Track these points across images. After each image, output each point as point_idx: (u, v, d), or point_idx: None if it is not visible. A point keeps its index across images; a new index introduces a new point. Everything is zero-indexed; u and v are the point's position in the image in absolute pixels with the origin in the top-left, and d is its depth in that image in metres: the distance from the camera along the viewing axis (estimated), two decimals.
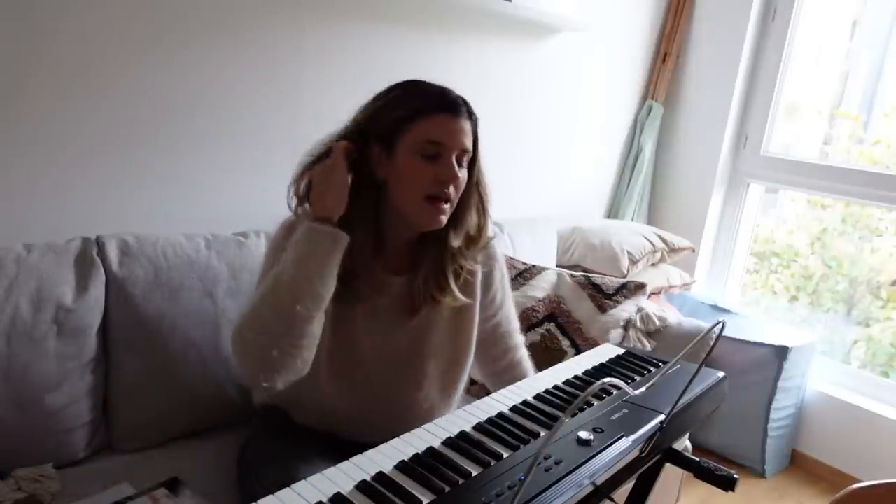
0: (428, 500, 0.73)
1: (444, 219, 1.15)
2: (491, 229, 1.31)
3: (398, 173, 1.13)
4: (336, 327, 1.19)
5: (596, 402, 0.98)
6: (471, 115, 1.16)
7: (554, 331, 2.06)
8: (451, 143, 1.12)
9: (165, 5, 1.55)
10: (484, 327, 1.36)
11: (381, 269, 1.22)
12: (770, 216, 3.03)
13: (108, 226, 1.52)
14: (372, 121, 1.15)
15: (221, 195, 1.76)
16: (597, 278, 2.13)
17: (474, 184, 1.20)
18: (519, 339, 1.45)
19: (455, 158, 1.13)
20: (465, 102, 1.16)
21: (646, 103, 2.81)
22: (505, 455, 0.83)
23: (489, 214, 1.25)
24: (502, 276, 1.39)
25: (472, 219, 1.22)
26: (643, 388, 0.94)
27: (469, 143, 1.15)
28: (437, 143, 1.11)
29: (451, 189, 1.13)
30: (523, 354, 1.45)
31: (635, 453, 0.89)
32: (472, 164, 1.19)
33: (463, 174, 1.15)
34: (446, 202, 1.13)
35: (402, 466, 0.80)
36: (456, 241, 1.20)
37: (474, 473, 0.79)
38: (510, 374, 1.40)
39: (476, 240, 1.25)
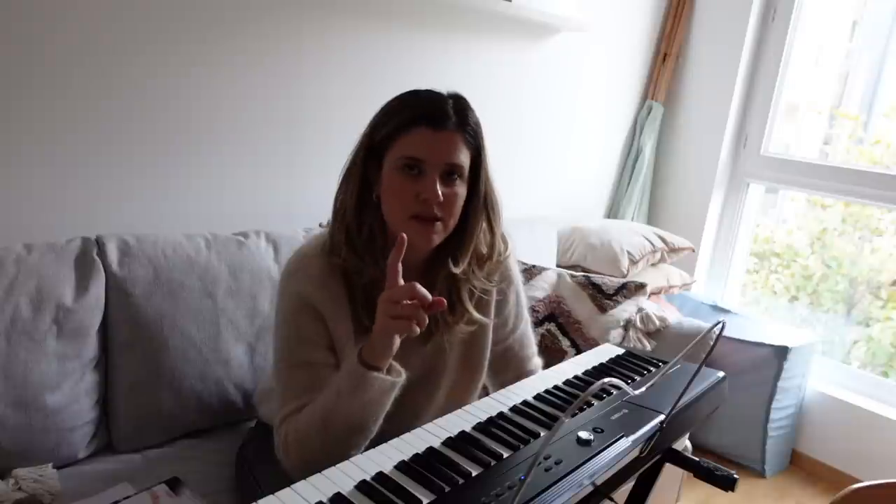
0: (428, 501, 0.73)
1: (437, 238, 1.07)
2: (508, 245, 1.22)
3: (385, 191, 1.07)
4: (350, 352, 1.11)
5: (596, 402, 0.98)
6: (464, 127, 1.06)
7: (554, 331, 2.06)
8: (432, 159, 1.03)
9: (166, 5, 1.55)
10: (494, 350, 1.28)
11: None
12: (770, 216, 3.03)
13: (108, 226, 1.52)
14: (369, 137, 1.09)
15: (221, 195, 1.76)
16: (597, 278, 2.13)
17: (480, 200, 1.11)
18: (535, 364, 1.35)
19: (443, 174, 1.04)
20: (458, 113, 1.06)
21: (646, 103, 2.81)
22: (505, 455, 0.83)
23: (498, 231, 1.16)
24: (517, 300, 1.30)
25: (482, 237, 1.13)
26: (643, 388, 0.94)
27: (459, 157, 1.05)
28: (415, 160, 1.03)
29: (439, 208, 1.04)
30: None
31: (635, 453, 0.89)
32: (476, 179, 1.10)
33: (457, 191, 1.06)
34: (435, 221, 1.05)
35: (402, 466, 0.80)
36: (461, 264, 1.12)
37: (474, 473, 0.79)
38: None
39: (486, 260, 1.16)
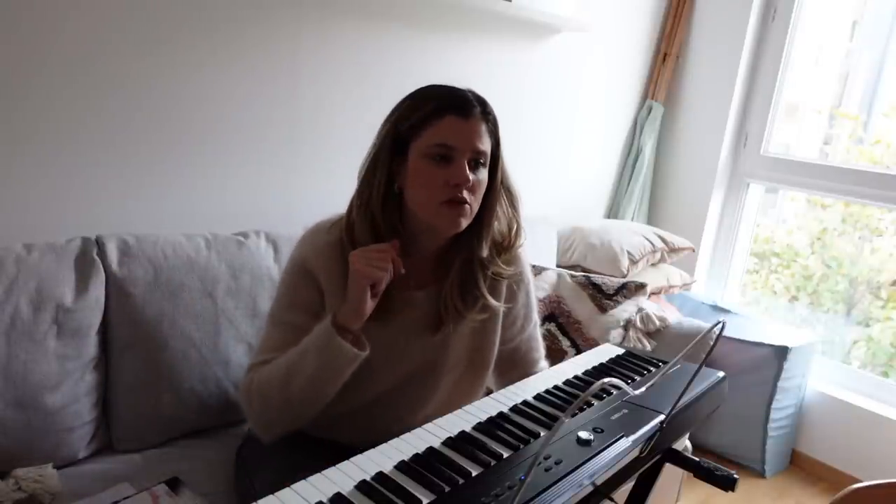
0: (428, 501, 0.73)
1: (464, 221, 1.10)
2: (521, 236, 1.24)
3: (412, 181, 1.10)
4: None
5: (596, 402, 0.98)
6: (486, 116, 1.12)
7: (554, 331, 2.06)
8: (461, 146, 1.08)
9: (167, 6, 1.55)
10: (502, 350, 1.30)
11: (409, 283, 1.17)
12: (770, 216, 3.03)
13: (108, 226, 1.52)
14: (390, 133, 1.12)
15: (221, 195, 1.76)
16: (597, 278, 2.13)
17: (498, 187, 1.16)
18: (542, 368, 1.36)
19: (469, 161, 1.09)
20: (480, 103, 1.12)
21: (646, 103, 2.81)
22: (505, 455, 0.83)
23: (516, 220, 1.21)
24: (528, 300, 1.32)
25: (501, 224, 1.19)
26: (643, 388, 0.94)
27: (483, 145, 1.10)
28: (446, 146, 1.08)
29: (467, 192, 1.08)
30: None
31: (635, 453, 0.89)
32: (494, 167, 1.15)
33: (480, 177, 1.11)
34: (463, 204, 1.09)
35: (402, 466, 0.80)
36: (483, 250, 1.16)
37: (474, 473, 0.79)
38: None
39: (508, 246, 1.21)
